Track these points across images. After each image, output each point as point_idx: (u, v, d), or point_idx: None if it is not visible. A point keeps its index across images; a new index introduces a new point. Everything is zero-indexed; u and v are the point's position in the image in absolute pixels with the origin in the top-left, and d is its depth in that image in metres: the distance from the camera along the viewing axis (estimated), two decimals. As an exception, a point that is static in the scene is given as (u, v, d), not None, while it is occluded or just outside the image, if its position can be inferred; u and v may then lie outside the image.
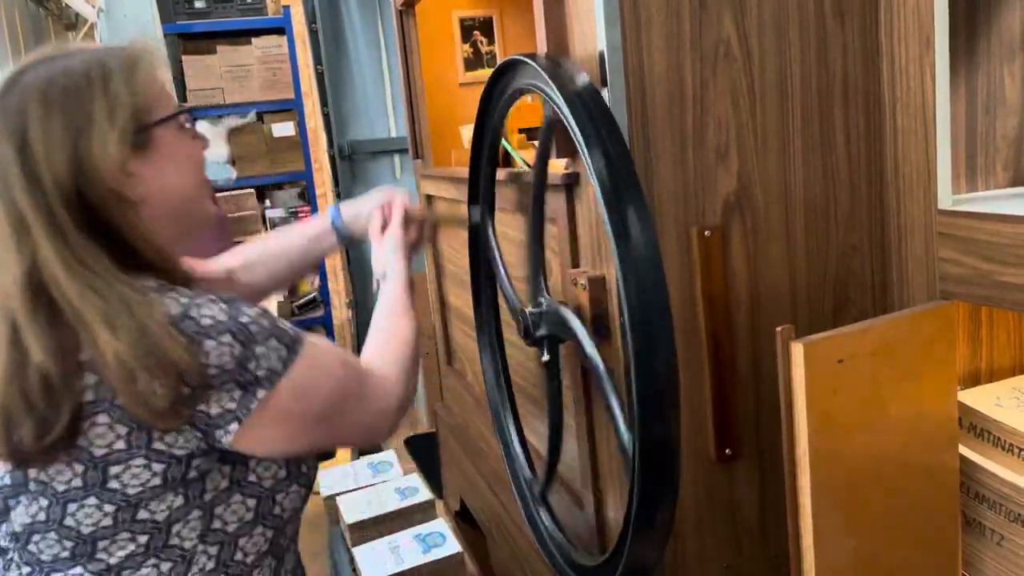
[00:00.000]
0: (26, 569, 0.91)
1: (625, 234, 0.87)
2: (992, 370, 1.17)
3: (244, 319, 0.88)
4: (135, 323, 0.82)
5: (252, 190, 3.83)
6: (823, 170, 1.14)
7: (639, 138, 1.06)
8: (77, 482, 0.85)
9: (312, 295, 3.94)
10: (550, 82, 0.99)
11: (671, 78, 1.07)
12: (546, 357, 1.19)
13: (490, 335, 1.43)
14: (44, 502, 0.87)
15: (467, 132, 1.79)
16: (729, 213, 1.11)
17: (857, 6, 1.12)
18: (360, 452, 3.11)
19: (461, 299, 1.93)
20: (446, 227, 1.88)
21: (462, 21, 2.29)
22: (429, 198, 2.09)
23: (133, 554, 0.88)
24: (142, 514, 0.87)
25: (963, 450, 1.05)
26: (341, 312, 3.92)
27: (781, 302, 1.15)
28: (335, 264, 3.91)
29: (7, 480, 0.88)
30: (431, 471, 2.59)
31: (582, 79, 1.00)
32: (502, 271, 1.31)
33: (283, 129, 3.81)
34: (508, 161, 1.62)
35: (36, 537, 0.88)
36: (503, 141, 1.34)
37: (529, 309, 1.18)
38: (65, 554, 0.88)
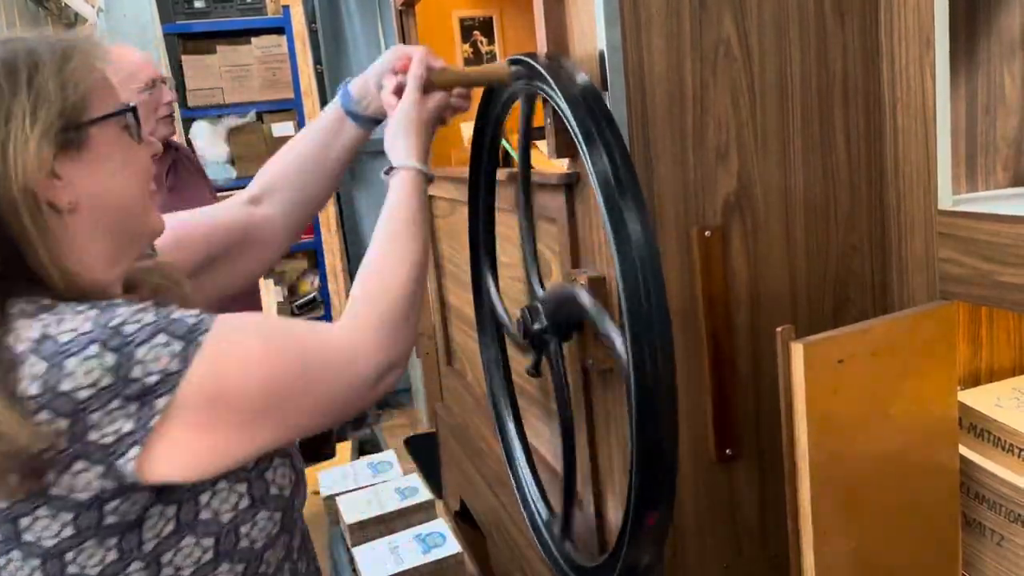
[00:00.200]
0: None
1: (625, 234, 0.87)
2: (992, 370, 1.17)
3: (116, 321, 0.74)
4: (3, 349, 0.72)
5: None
6: (823, 170, 1.14)
7: (639, 138, 1.06)
8: None
9: (312, 295, 3.94)
10: (550, 81, 0.99)
11: (671, 78, 1.07)
12: (531, 363, 1.17)
13: (491, 335, 1.43)
14: None
15: (467, 129, 1.79)
16: (729, 213, 1.11)
17: (857, 6, 1.12)
18: (360, 452, 3.11)
19: (461, 299, 1.93)
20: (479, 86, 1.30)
21: (462, 21, 2.29)
22: (429, 198, 2.09)
23: None
24: (71, 568, 0.76)
25: (963, 450, 1.05)
26: (341, 312, 3.92)
27: (781, 302, 1.15)
28: (335, 264, 3.91)
29: None
30: (431, 471, 2.59)
31: (582, 78, 1.00)
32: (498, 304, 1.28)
33: (283, 129, 3.81)
34: (508, 161, 1.62)
35: None
36: (503, 141, 1.34)
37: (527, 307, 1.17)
38: None
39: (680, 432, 0.92)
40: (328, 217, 3.83)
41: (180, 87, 3.66)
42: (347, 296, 3.05)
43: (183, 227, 1.06)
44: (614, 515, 1.21)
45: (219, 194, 2.99)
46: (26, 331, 0.74)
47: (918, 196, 1.09)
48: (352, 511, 1.83)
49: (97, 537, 0.76)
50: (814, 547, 0.94)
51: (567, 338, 1.15)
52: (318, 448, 3.38)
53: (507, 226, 1.41)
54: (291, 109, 3.81)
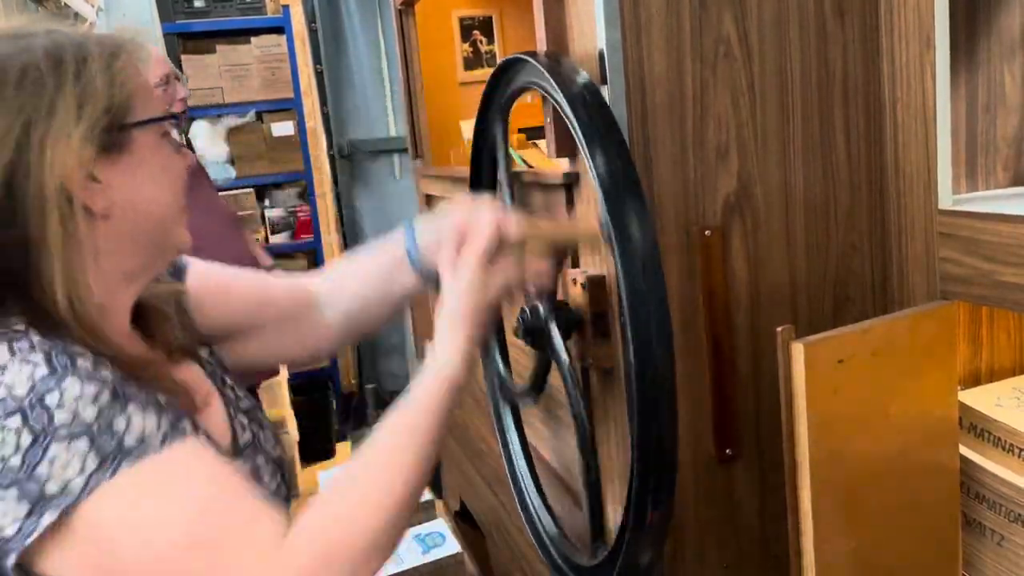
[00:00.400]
0: None
1: (626, 233, 0.87)
2: (992, 370, 1.17)
3: (52, 399, 0.65)
4: None
5: (251, 189, 3.83)
6: (823, 170, 1.14)
7: (639, 138, 1.06)
8: None
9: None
10: (551, 80, 0.99)
11: (671, 77, 1.07)
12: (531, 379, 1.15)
13: (490, 334, 1.43)
14: None
15: (468, 127, 1.79)
16: (729, 213, 1.11)
17: (857, 5, 1.12)
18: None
19: (461, 299, 1.93)
20: (566, 248, 1.11)
21: (462, 20, 2.29)
22: (429, 198, 2.09)
23: None
24: None
25: (963, 450, 1.05)
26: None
27: (781, 302, 1.15)
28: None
29: None
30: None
31: (583, 77, 1.00)
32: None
33: (282, 128, 3.81)
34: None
35: None
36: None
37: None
38: None
39: (680, 432, 0.92)
40: (328, 217, 3.83)
41: (180, 87, 3.66)
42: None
43: (242, 281, 1.03)
44: (613, 514, 1.21)
45: (220, 193, 2.98)
46: None
47: (918, 196, 1.09)
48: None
49: None
50: (814, 547, 0.94)
51: (566, 337, 1.15)
52: (318, 448, 3.39)
53: (507, 226, 1.41)
54: (291, 109, 3.81)
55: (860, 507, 0.97)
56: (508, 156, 1.24)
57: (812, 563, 0.95)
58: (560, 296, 1.16)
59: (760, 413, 1.15)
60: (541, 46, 1.15)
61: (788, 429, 0.94)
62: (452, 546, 1.66)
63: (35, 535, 0.63)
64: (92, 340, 0.72)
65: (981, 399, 1.08)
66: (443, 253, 0.89)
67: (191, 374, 0.90)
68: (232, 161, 3.77)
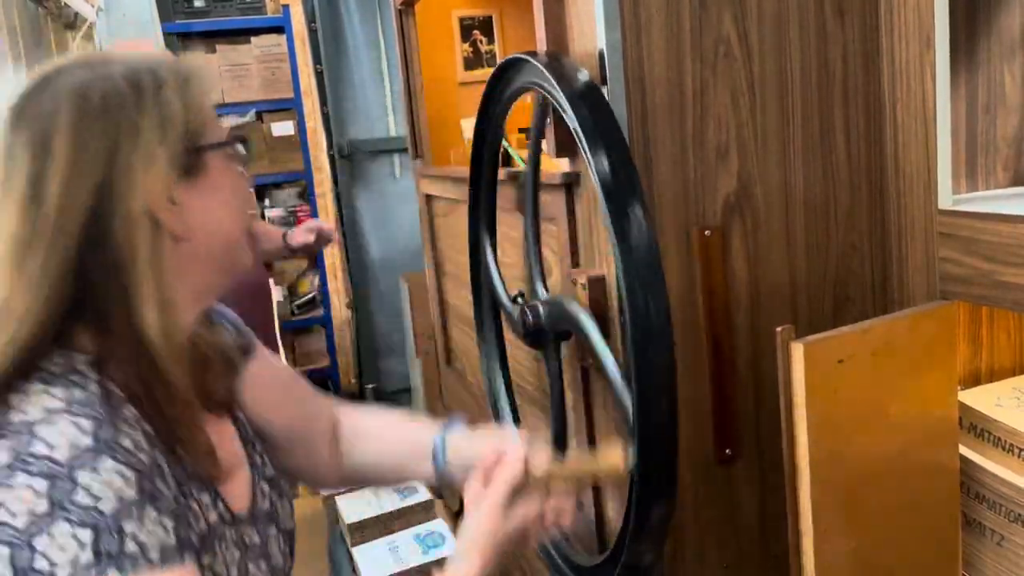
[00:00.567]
0: None
1: (625, 232, 0.87)
2: (992, 370, 1.17)
3: (84, 476, 0.64)
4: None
5: (251, 189, 3.82)
6: (823, 170, 1.14)
7: (639, 138, 1.06)
8: None
9: (312, 295, 3.93)
10: (552, 80, 0.99)
11: (671, 77, 1.07)
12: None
13: (490, 334, 1.43)
14: None
15: (468, 125, 1.79)
16: (729, 213, 1.11)
17: (857, 5, 1.12)
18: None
19: (461, 299, 1.93)
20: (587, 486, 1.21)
21: (462, 20, 2.29)
22: (429, 198, 2.09)
23: None
24: None
25: (963, 450, 1.05)
26: (341, 312, 3.91)
27: (781, 302, 1.15)
28: (335, 263, 3.91)
29: None
30: (431, 471, 2.58)
31: (583, 77, 1.00)
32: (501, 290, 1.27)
33: (282, 128, 3.81)
34: (508, 161, 1.62)
35: None
36: (503, 140, 1.34)
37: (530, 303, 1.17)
38: None
39: (680, 432, 0.92)
40: (328, 217, 3.82)
41: (180, 87, 3.64)
42: (346, 295, 3.00)
43: (298, 389, 1.04)
44: (614, 514, 1.21)
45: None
46: (23, 409, 0.67)
47: (918, 196, 1.09)
48: (352, 511, 1.84)
49: None
50: (814, 547, 0.94)
51: (565, 338, 1.15)
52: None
53: (507, 226, 1.41)
54: (291, 108, 3.81)
55: (860, 507, 0.97)
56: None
57: (812, 563, 0.95)
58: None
59: (760, 413, 1.15)
60: (541, 46, 1.15)
61: (788, 429, 0.94)
62: (452, 546, 1.66)
63: None
64: (172, 364, 0.74)
65: (981, 399, 1.08)
66: (470, 483, 0.90)
67: (225, 434, 0.89)
68: (232, 161, 3.76)
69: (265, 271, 2.66)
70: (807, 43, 1.11)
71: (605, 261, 1.09)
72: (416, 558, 1.63)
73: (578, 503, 0.94)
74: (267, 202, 3.98)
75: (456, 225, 1.84)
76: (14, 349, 0.70)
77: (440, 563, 0.77)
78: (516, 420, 1.41)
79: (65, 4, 2.93)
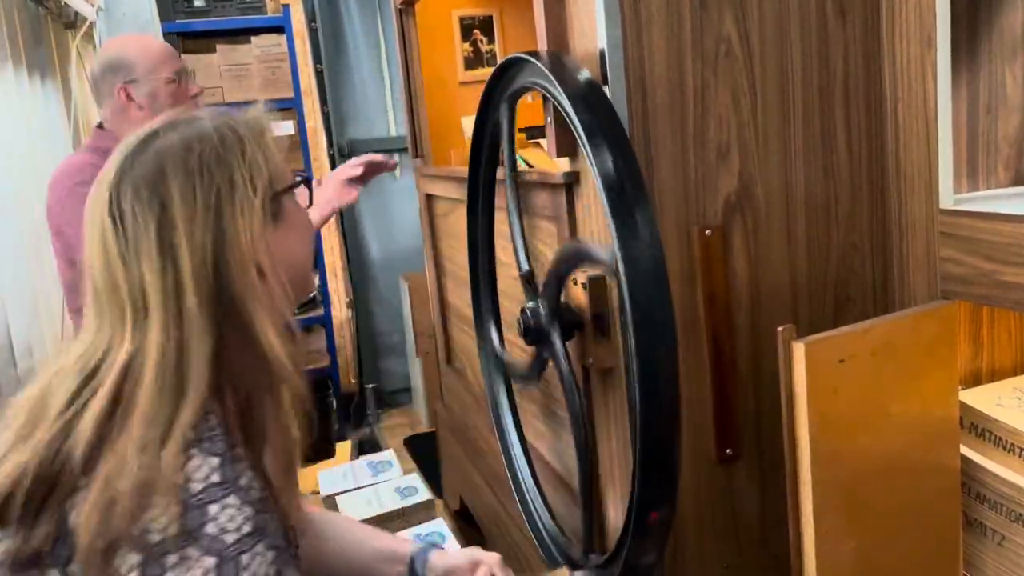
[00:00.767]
0: None
1: (629, 232, 0.87)
2: (993, 370, 1.17)
3: (213, 508, 0.73)
4: (159, 438, 0.74)
5: None
6: (824, 169, 1.14)
7: (640, 137, 1.06)
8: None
9: (312, 294, 3.93)
10: (553, 79, 0.99)
11: (672, 77, 1.07)
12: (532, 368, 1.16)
13: (490, 334, 1.43)
14: None
15: (468, 123, 1.79)
16: (730, 212, 1.11)
17: (858, 5, 1.12)
18: (360, 452, 3.11)
19: (461, 298, 1.93)
20: None
21: (462, 20, 2.29)
22: (429, 197, 2.09)
23: None
24: None
25: (964, 450, 1.05)
26: (340, 312, 3.91)
27: (782, 302, 1.15)
28: (335, 263, 3.90)
29: None
30: (431, 471, 2.58)
31: (585, 76, 1.00)
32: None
33: (283, 128, 3.81)
34: (508, 160, 1.62)
35: None
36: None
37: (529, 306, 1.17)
38: None
39: (681, 432, 0.92)
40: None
41: (180, 86, 3.64)
42: (346, 295, 3.00)
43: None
44: (615, 514, 1.21)
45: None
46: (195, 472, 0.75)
47: (919, 195, 1.09)
48: (352, 511, 1.83)
49: None
50: (815, 547, 0.94)
51: (568, 336, 1.15)
52: (318, 447, 3.39)
53: (507, 225, 1.41)
54: (291, 108, 3.80)
55: (861, 507, 0.97)
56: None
57: (813, 563, 0.94)
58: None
59: (761, 413, 1.15)
60: (542, 45, 1.15)
61: (789, 429, 0.94)
62: (452, 545, 1.66)
63: None
64: (295, 380, 0.84)
65: (982, 399, 1.08)
66: None
67: None
68: (232, 161, 3.75)
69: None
70: (808, 43, 1.11)
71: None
72: (416, 558, 1.63)
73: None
74: (267, 202, 3.98)
75: (456, 225, 1.84)
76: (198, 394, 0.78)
77: None
78: (516, 420, 1.41)
79: (65, 3, 2.93)
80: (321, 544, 1.13)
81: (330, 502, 1.96)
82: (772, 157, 1.12)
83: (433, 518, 1.82)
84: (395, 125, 3.94)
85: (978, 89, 1.09)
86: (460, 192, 1.69)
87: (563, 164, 1.17)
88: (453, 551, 1.17)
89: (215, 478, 0.74)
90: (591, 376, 1.19)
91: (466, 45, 2.30)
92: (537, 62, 1.04)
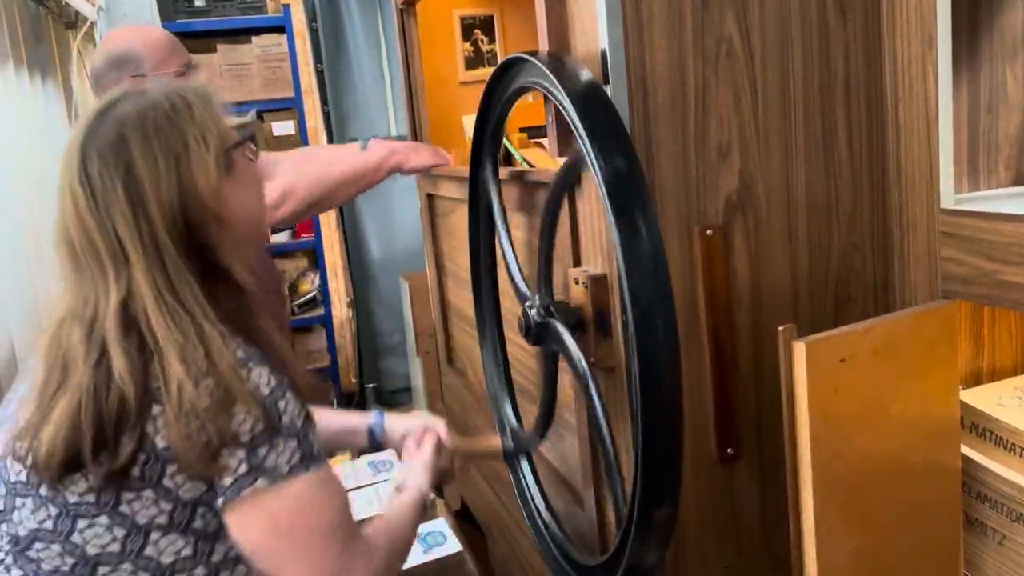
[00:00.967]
0: (18, 574, 0.90)
1: (630, 231, 0.87)
2: (994, 369, 1.17)
3: (282, 404, 0.89)
4: (205, 357, 0.86)
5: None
6: (825, 169, 1.14)
7: (641, 137, 1.06)
8: (90, 497, 0.86)
9: (312, 294, 3.93)
10: (553, 79, 0.99)
11: (673, 76, 1.07)
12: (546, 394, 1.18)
13: (491, 333, 1.43)
14: (53, 510, 0.87)
15: (469, 121, 1.79)
16: (731, 212, 1.11)
17: (859, 4, 1.12)
18: (360, 451, 3.11)
19: (461, 298, 1.93)
20: (479, 460, 1.82)
21: (463, 20, 2.29)
22: (430, 197, 2.09)
23: None
24: (149, 550, 0.88)
25: (965, 450, 1.05)
26: (341, 311, 3.91)
27: (783, 301, 1.15)
28: (335, 263, 3.90)
29: (22, 477, 0.88)
30: (431, 470, 2.58)
31: (586, 76, 1.00)
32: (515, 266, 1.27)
33: (283, 128, 3.80)
34: (509, 160, 1.62)
35: (39, 545, 0.89)
36: (504, 140, 1.34)
37: (530, 305, 1.17)
38: (65, 568, 0.88)
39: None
40: (328, 216, 3.82)
41: (180, 86, 3.64)
42: (347, 294, 3.01)
43: None
44: (615, 514, 1.21)
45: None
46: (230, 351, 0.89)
47: (920, 195, 1.09)
48: (354, 510, 1.83)
49: (182, 532, 0.88)
50: (816, 546, 0.94)
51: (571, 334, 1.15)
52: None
53: (510, 224, 1.41)
54: (291, 108, 3.81)
55: (862, 506, 0.97)
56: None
57: (814, 562, 0.94)
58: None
59: (761, 412, 1.15)
60: (543, 45, 1.15)
61: (790, 428, 0.94)
62: (453, 545, 1.66)
63: (246, 491, 0.87)
64: (266, 303, 0.97)
65: (983, 398, 1.08)
66: (408, 441, 1.33)
67: None
68: (233, 160, 3.75)
69: (281, 276, 2.65)
70: (809, 42, 1.11)
71: (607, 260, 1.09)
72: (417, 557, 1.63)
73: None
74: (268, 201, 3.98)
75: (457, 224, 1.84)
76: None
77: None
78: (517, 419, 1.41)
79: (66, 3, 2.93)
80: None
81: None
82: (773, 156, 1.12)
83: (434, 517, 1.82)
84: (396, 125, 3.94)
85: (979, 88, 1.09)
86: (461, 192, 1.69)
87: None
88: (403, 417, 1.38)
89: (273, 381, 0.89)
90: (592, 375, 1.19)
91: (467, 45, 2.30)
92: (537, 62, 1.04)
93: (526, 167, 1.59)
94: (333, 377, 3.86)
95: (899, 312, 1.05)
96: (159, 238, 0.89)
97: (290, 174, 1.86)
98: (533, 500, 1.34)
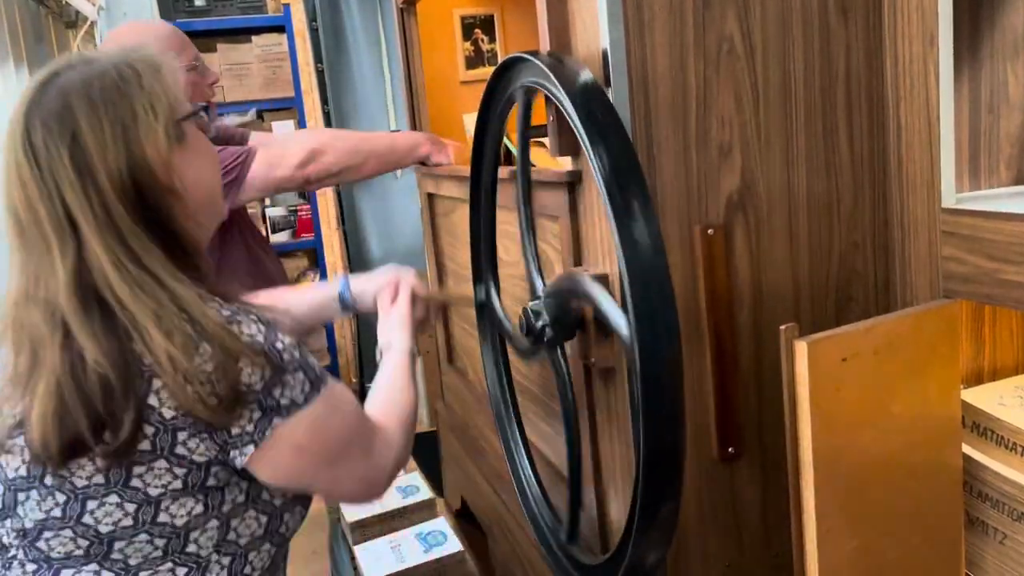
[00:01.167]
0: (31, 567, 0.90)
1: (630, 230, 0.87)
2: (995, 369, 1.17)
3: (279, 345, 0.90)
4: (187, 326, 0.84)
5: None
6: (826, 168, 1.14)
7: (642, 136, 1.06)
8: (99, 479, 0.85)
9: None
10: (553, 79, 0.99)
11: (674, 76, 1.07)
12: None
13: (491, 333, 1.43)
14: (61, 498, 0.87)
15: (470, 120, 1.79)
16: (732, 211, 1.11)
17: (860, 4, 1.12)
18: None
19: (462, 297, 1.93)
20: (454, 306, 1.89)
21: (463, 19, 2.29)
22: (430, 196, 2.09)
23: (150, 556, 0.89)
24: (162, 516, 0.88)
25: (966, 449, 1.05)
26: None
27: (784, 300, 1.15)
28: (336, 262, 3.90)
29: (22, 472, 0.87)
30: (432, 470, 2.58)
31: (586, 76, 1.00)
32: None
33: (283, 127, 3.80)
34: (510, 159, 1.62)
35: (48, 534, 0.88)
36: (505, 139, 1.34)
37: (531, 305, 1.17)
38: (79, 552, 0.89)
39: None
40: (329, 215, 3.82)
41: (180, 85, 3.64)
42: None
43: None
44: (617, 514, 1.21)
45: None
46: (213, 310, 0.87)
47: (921, 194, 1.09)
48: (353, 510, 1.83)
49: (193, 493, 0.88)
50: (817, 545, 0.94)
51: (570, 336, 1.15)
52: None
53: (508, 223, 1.41)
54: (291, 107, 3.81)
55: (863, 506, 0.97)
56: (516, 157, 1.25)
57: (815, 561, 0.94)
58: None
59: (763, 411, 1.15)
60: (544, 45, 1.15)
61: (791, 427, 0.94)
62: (453, 544, 1.66)
63: (269, 432, 0.88)
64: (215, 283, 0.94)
65: (984, 398, 1.08)
66: (382, 295, 1.32)
67: None
68: (233, 160, 3.75)
69: (285, 276, 2.63)
70: (810, 41, 1.11)
71: (607, 259, 1.09)
72: (418, 557, 1.63)
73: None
74: (268, 201, 3.98)
75: (458, 224, 1.84)
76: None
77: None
78: (518, 418, 1.41)
79: (66, 3, 2.93)
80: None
81: (331, 501, 1.96)
82: (774, 156, 1.12)
83: (434, 517, 1.82)
84: (396, 124, 3.94)
85: (980, 88, 1.09)
86: (461, 191, 1.69)
87: (565, 163, 1.17)
88: (369, 275, 1.37)
89: (263, 326, 0.89)
90: (592, 375, 1.19)
91: (467, 44, 2.30)
92: (538, 62, 1.04)
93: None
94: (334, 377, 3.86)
95: (900, 311, 1.05)
96: (111, 207, 0.85)
97: (323, 137, 1.97)
98: (534, 499, 1.34)
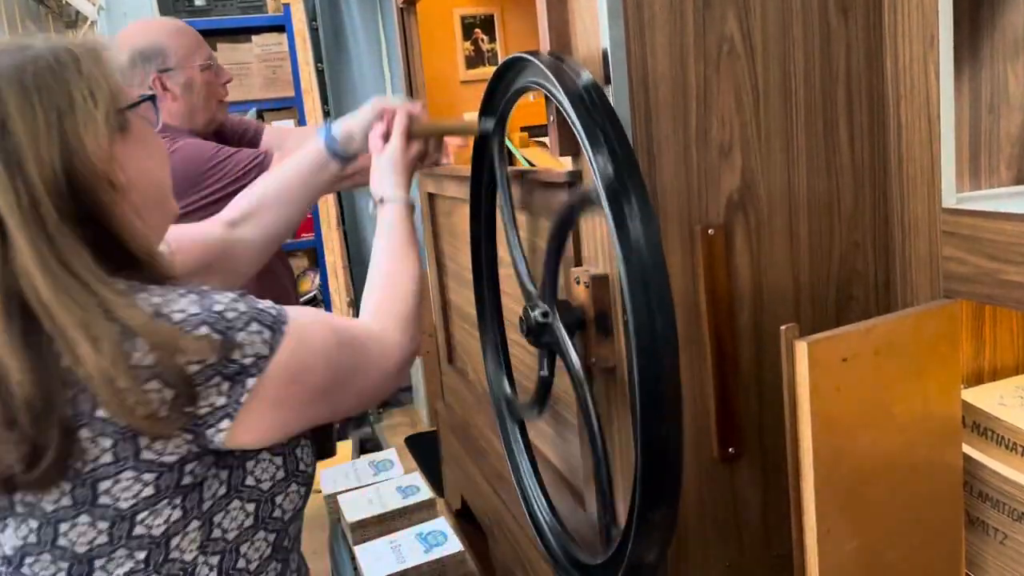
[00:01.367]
0: None
1: (628, 231, 0.87)
2: (996, 369, 1.17)
3: (218, 307, 0.82)
4: (116, 329, 0.77)
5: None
6: (827, 168, 1.14)
7: (642, 136, 1.06)
8: (66, 500, 0.81)
9: (312, 293, 3.93)
10: (553, 79, 0.99)
11: (674, 76, 1.07)
12: (544, 372, 1.17)
13: (492, 333, 1.43)
14: (34, 523, 0.83)
15: (471, 119, 1.79)
16: (732, 211, 1.11)
17: (861, 3, 1.12)
18: (361, 450, 3.11)
19: (462, 297, 1.93)
20: (455, 137, 1.59)
21: (463, 19, 2.29)
22: (431, 196, 2.09)
23: (133, 571, 0.85)
24: (138, 529, 0.83)
25: (966, 449, 1.05)
26: (341, 311, 3.91)
27: (784, 300, 1.15)
28: (336, 262, 3.90)
29: (2, 502, 0.84)
30: (432, 470, 2.58)
31: (585, 76, 1.00)
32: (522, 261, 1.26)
33: (283, 127, 3.80)
34: (510, 159, 1.62)
35: (29, 560, 0.85)
36: (505, 139, 1.34)
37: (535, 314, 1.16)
38: (62, 574, 0.85)
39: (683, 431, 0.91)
40: (329, 215, 3.82)
41: (180, 85, 3.64)
42: (347, 294, 3.00)
43: (175, 239, 1.11)
44: (617, 513, 1.21)
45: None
46: (139, 308, 0.80)
47: (922, 194, 1.09)
48: (353, 510, 1.83)
49: (169, 497, 0.83)
50: (817, 546, 0.94)
51: (571, 335, 1.15)
52: (319, 446, 3.38)
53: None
54: (291, 107, 3.81)
55: (863, 506, 0.97)
56: (505, 161, 1.25)
57: (816, 561, 0.94)
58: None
59: (763, 411, 1.15)
60: (544, 45, 1.15)
61: (791, 427, 0.94)
62: (453, 545, 1.66)
63: (245, 395, 0.82)
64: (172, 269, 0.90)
65: (984, 398, 1.08)
66: (373, 133, 1.21)
67: None
68: (233, 160, 3.75)
69: (293, 277, 2.63)
70: (811, 41, 1.11)
71: (608, 259, 1.09)
72: (418, 557, 1.63)
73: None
74: (268, 201, 3.98)
75: (458, 224, 1.84)
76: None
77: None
78: (519, 418, 1.41)
79: (66, 2, 2.93)
80: (266, 219, 1.27)
81: (332, 501, 1.96)
82: (775, 156, 1.12)
83: (434, 517, 1.82)
84: (396, 124, 3.93)
85: (980, 88, 1.09)
86: (462, 191, 1.69)
87: (566, 163, 1.17)
88: (353, 115, 1.28)
89: (193, 296, 0.83)
90: (593, 375, 1.19)
91: (467, 44, 2.30)
92: (538, 62, 1.04)
93: (527, 166, 1.59)
94: (333, 376, 3.85)
95: (901, 312, 1.05)
96: (40, 203, 0.78)
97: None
98: (534, 499, 1.34)
